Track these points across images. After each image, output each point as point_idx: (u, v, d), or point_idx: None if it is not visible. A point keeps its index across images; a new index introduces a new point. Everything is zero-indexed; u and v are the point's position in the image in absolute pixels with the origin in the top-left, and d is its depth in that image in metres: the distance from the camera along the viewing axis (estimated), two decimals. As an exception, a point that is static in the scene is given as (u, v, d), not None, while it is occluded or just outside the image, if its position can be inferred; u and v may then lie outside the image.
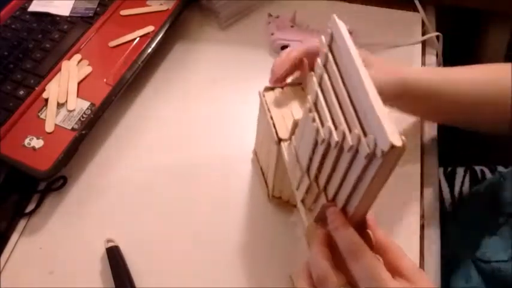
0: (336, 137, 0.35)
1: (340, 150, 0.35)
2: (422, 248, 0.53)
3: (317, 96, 0.39)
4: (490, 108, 0.54)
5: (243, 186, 0.58)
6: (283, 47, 0.68)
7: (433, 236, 0.54)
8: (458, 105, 0.55)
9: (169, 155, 0.61)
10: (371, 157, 0.31)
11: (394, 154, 0.30)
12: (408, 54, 0.70)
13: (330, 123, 0.36)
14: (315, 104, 0.40)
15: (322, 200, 0.40)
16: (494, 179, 0.65)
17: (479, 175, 0.72)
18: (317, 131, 0.38)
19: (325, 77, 0.38)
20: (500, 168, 0.72)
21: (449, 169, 0.73)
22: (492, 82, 0.55)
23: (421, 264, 0.52)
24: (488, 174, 0.72)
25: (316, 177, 0.41)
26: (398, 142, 0.29)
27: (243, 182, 0.58)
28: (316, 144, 0.39)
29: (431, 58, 0.70)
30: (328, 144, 0.37)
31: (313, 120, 0.39)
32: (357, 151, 0.33)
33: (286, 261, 0.52)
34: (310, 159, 0.41)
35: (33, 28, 0.68)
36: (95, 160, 0.61)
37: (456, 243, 0.58)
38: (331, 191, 0.39)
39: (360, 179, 0.34)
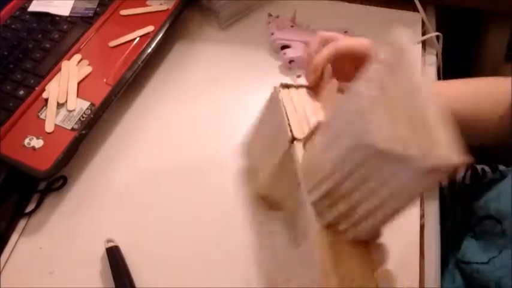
0: (386, 145, 0.32)
1: (385, 159, 0.33)
2: (422, 248, 0.53)
3: (373, 101, 0.35)
4: (486, 124, 0.55)
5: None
6: (284, 47, 0.68)
7: (433, 236, 0.54)
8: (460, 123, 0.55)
9: (169, 154, 0.61)
10: (422, 172, 0.30)
11: (446, 171, 0.29)
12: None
13: (386, 131, 0.33)
14: (369, 108, 0.36)
15: (341, 207, 0.38)
16: (495, 177, 0.65)
17: (480, 174, 0.72)
18: (364, 133, 0.35)
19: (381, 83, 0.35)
20: (502, 167, 0.72)
21: None
22: (487, 97, 0.55)
23: (421, 264, 0.52)
24: (489, 173, 0.72)
25: (340, 183, 0.38)
26: (456, 159, 0.28)
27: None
28: (354, 148, 0.36)
29: (431, 58, 0.70)
30: (372, 151, 0.34)
31: (367, 122, 0.35)
32: (405, 164, 0.31)
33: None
34: (342, 163, 0.37)
35: (33, 28, 0.68)
36: (95, 160, 0.61)
37: (452, 243, 0.58)
38: (354, 199, 0.37)
39: (393, 194, 0.32)
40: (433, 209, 0.56)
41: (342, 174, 0.37)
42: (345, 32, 0.68)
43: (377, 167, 0.33)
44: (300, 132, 0.45)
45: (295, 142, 0.45)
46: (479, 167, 0.72)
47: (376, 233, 0.38)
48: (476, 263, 0.51)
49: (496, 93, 0.54)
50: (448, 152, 0.28)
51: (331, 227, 0.40)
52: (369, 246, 0.40)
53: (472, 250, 0.53)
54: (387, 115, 0.34)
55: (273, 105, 0.49)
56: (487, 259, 0.50)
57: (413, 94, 0.32)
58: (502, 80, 0.55)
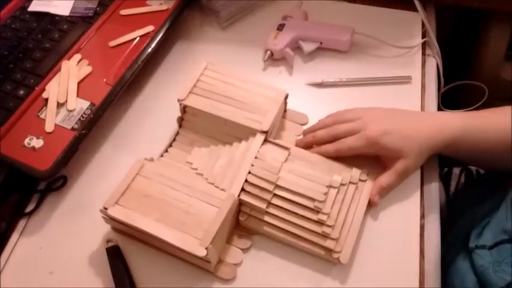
0: None
1: None
2: (422, 248, 0.53)
3: None
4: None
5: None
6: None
7: (433, 235, 0.54)
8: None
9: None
10: None
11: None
12: (408, 54, 0.70)
13: None
14: None
15: (260, 204, 0.52)
16: (485, 178, 0.65)
17: (475, 175, 0.72)
18: None
19: None
20: None
21: (445, 170, 0.73)
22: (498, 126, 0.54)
23: (421, 264, 0.52)
24: (483, 174, 0.72)
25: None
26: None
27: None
28: None
29: (431, 58, 0.70)
30: None
31: None
32: None
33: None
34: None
35: (33, 28, 0.68)
36: (95, 160, 0.61)
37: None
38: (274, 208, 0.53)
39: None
40: (433, 209, 0.56)
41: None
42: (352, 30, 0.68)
43: None
44: None
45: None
46: (473, 168, 0.72)
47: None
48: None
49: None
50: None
51: (241, 204, 0.52)
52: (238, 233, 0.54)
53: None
54: None
55: None
56: None
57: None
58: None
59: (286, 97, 0.60)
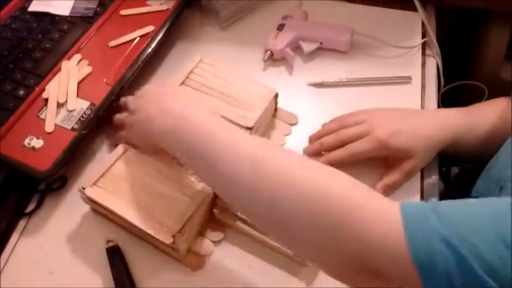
0: None
1: None
2: (422, 248, 0.53)
3: None
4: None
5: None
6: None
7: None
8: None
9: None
10: None
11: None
12: (408, 54, 0.70)
13: None
14: None
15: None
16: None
17: (475, 175, 0.72)
18: None
19: None
20: None
21: (443, 169, 0.73)
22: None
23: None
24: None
25: None
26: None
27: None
28: None
29: (431, 58, 0.70)
30: None
31: None
32: None
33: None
34: None
35: (33, 28, 0.68)
36: (95, 160, 0.61)
37: None
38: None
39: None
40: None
41: None
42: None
43: None
44: None
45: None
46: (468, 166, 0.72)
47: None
48: None
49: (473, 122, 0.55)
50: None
51: (217, 198, 0.53)
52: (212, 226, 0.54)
53: None
54: None
55: None
56: None
57: None
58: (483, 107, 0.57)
59: (276, 96, 0.60)
